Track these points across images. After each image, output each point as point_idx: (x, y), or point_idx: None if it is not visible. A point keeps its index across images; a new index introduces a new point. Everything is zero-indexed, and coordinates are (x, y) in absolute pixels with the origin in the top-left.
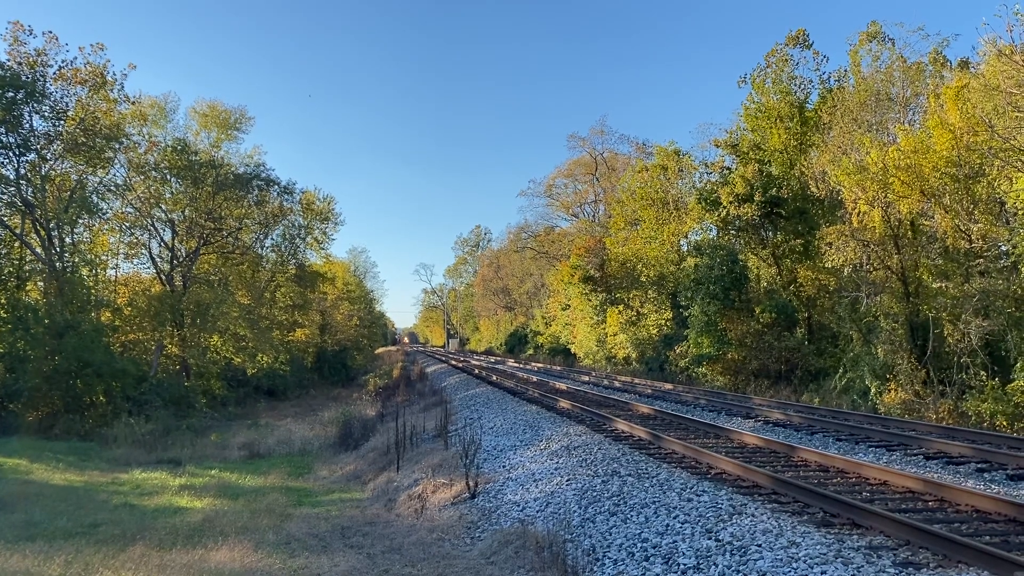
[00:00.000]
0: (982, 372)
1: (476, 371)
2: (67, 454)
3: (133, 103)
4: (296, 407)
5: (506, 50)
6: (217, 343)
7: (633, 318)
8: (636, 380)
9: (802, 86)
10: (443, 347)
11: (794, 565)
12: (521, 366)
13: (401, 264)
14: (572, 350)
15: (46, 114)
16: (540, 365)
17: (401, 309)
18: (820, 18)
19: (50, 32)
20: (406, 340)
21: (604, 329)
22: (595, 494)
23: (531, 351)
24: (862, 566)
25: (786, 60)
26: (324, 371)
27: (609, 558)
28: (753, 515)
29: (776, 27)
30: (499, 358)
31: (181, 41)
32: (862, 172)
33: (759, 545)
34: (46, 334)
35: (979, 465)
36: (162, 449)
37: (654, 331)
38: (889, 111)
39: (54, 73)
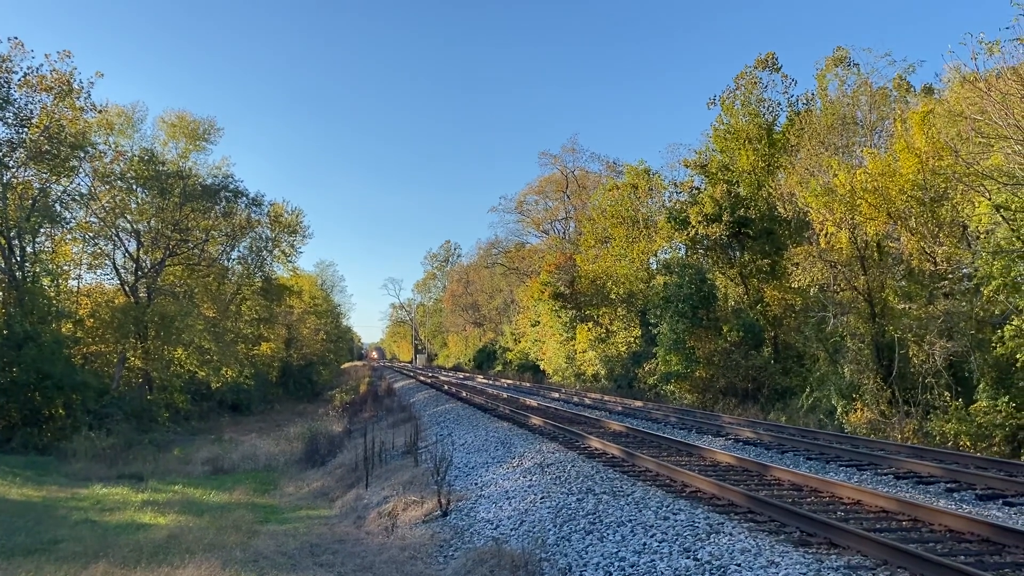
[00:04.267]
0: (946, 393)
1: (445, 387)
2: (24, 468)
3: (100, 112)
4: (261, 422)
5: (478, 66)
6: (181, 356)
7: (602, 335)
8: (606, 397)
9: (770, 108)
10: (411, 362)
11: None
12: (491, 382)
13: (369, 278)
14: (541, 367)
15: (9, 121)
16: (510, 382)
17: (368, 324)
18: (789, 42)
19: (15, 38)
20: (374, 355)
21: (573, 346)
22: (570, 512)
23: (500, 367)
24: None
25: (755, 83)
26: (289, 386)
27: None
28: (731, 534)
29: (745, 50)
30: (468, 374)
31: (149, 51)
32: (830, 194)
33: (738, 564)
34: (4, 345)
35: (949, 485)
36: (123, 464)
37: (623, 348)
38: (855, 135)
39: (19, 80)
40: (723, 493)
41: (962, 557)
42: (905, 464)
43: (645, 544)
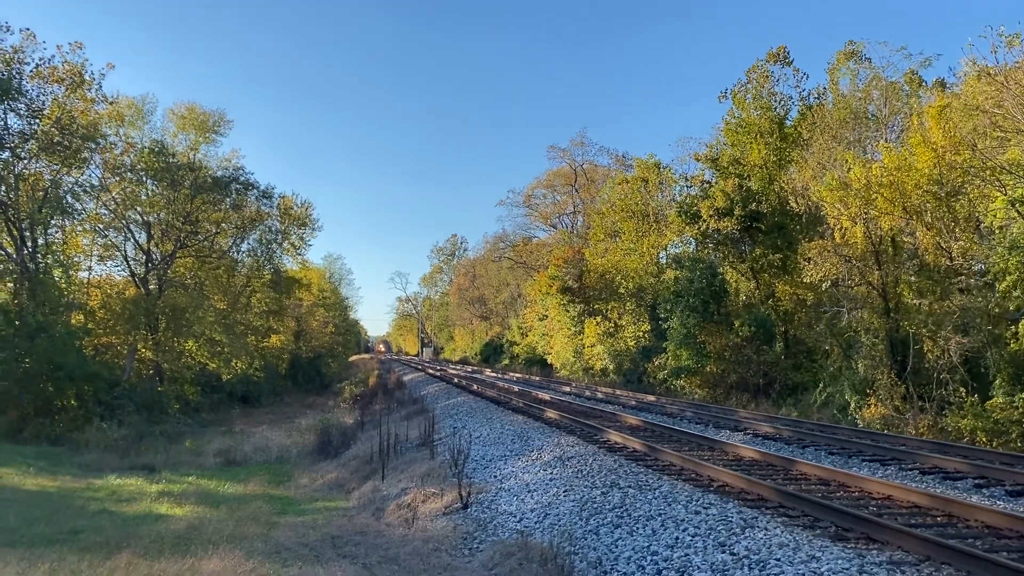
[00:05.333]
0: (961, 388)
1: (455, 380)
2: (37, 459)
3: (111, 103)
4: (271, 414)
5: (486, 59)
6: (192, 348)
7: (611, 329)
8: (618, 391)
9: (782, 102)
10: (417, 356)
11: None
12: (499, 376)
13: (375, 271)
14: (549, 360)
15: (21, 112)
16: (518, 375)
17: (374, 317)
18: (800, 36)
19: (27, 29)
20: (381, 348)
21: (581, 340)
22: (596, 506)
23: (507, 361)
24: None
25: (767, 76)
26: (298, 378)
27: (618, 571)
28: (766, 528)
29: (756, 44)
30: (475, 367)
31: (159, 43)
32: (845, 188)
33: (777, 559)
34: (16, 336)
35: (977, 481)
36: (135, 455)
37: (632, 343)
38: (867, 129)
39: (31, 71)
40: (752, 488)
41: (1004, 553)
42: (929, 459)
43: (677, 538)
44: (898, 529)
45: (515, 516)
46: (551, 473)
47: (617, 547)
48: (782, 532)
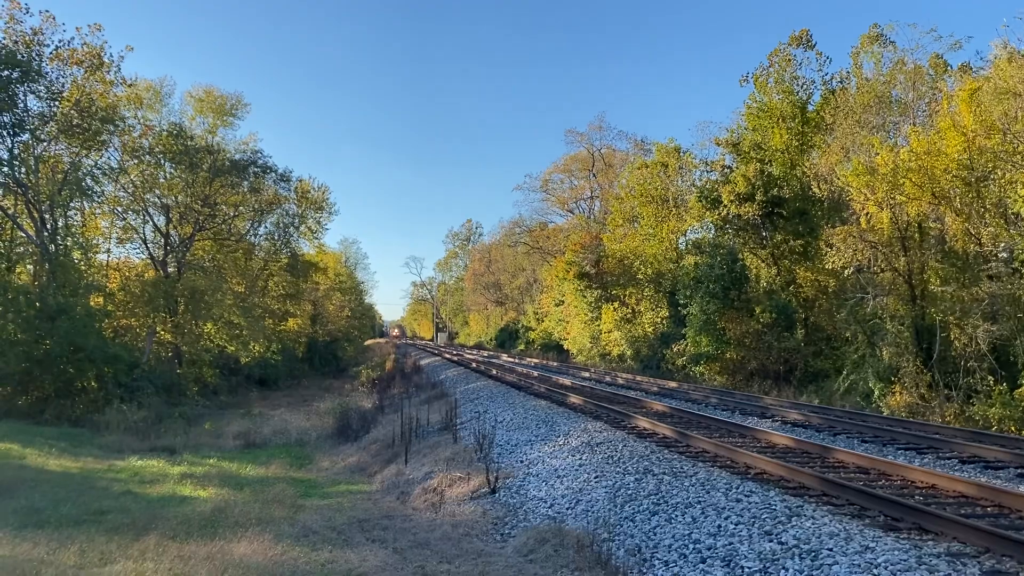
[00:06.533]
0: (989, 377)
1: (473, 365)
2: (59, 439)
3: (129, 86)
4: (288, 397)
5: (503, 43)
6: (211, 331)
7: (628, 315)
8: (638, 377)
9: (804, 87)
10: (431, 340)
11: (875, 572)
12: (516, 361)
13: (390, 256)
14: (565, 346)
15: (41, 94)
16: (536, 360)
17: (389, 301)
18: (824, 19)
19: (47, 11)
20: (396, 332)
21: (599, 326)
22: (630, 492)
23: (522, 346)
24: (949, 575)
25: (789, 60)
26: (315, 361)
27: (659, 559)
28: (813, 517)
29: (775, 26)
30: (491, 353)
31: (173, 27)
32: (871, 173)
33: (830, 549)
34: (37, 318)
35: (1019, 470)
36: (155, 437)
37: (650, 329)
38: (891, 114)
39: (50, 53)
40: (793, 475)
41: None
42: (967, 448)
43: (720, 526)
44: (953, 520)
45: (545, 502)
46: (580, 459)
47: (656, 534)
48: (830, 521)
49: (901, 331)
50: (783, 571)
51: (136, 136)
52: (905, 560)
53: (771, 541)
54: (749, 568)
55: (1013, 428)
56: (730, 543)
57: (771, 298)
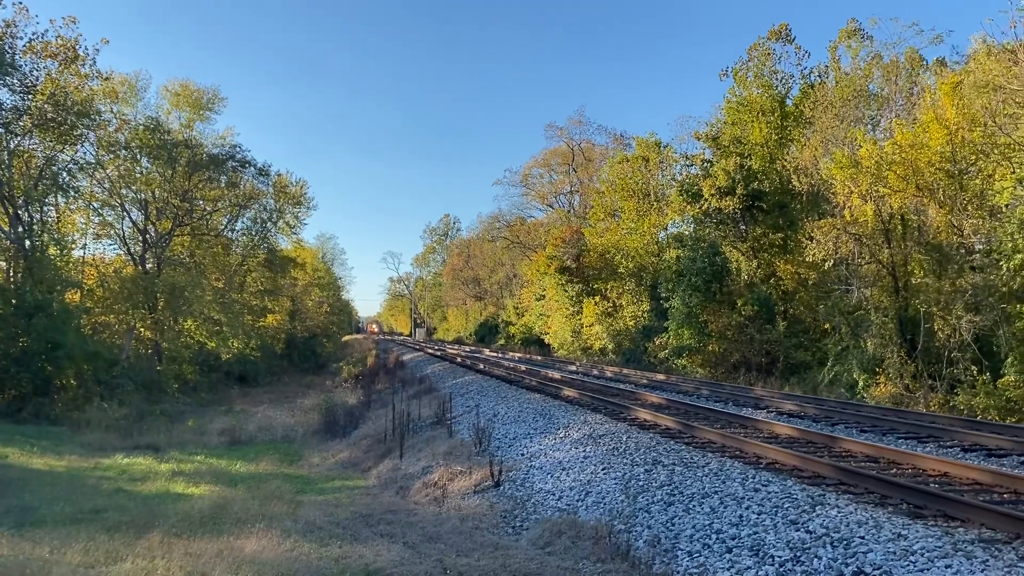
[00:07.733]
0: (973, 367)
1: (458, 360)
2: (39, 438)
3: (104, 79)
4: (270, 394)
5: (482, 37)
6: (191, 327)
7: (610, 309)
8: (625, 371)
9: (783, 81)
10: (409, 336)
11: (912, 559)
12: (500, 355)
13: (367, 251)
14: (546, 340)
15: (14, 87)
16: (519, 355)
17: (366, 297)
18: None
19: (20, 3)
20: (374, 328)
21: (580, 320)
22: (641, 484)
23: (503, 341)
24: (987, 560)
25: (768, 54)
26: (294, 358)
27: (682, 549)
28: (837, 506)
29: (756, 21)
30: (473, 347)
31: (148, 20)
32: (855, 166)
33: (862, 537)
34: (14, 315)
35: (1022, 458)
36: (138, 434)
37: (631, 322)
38: (869, 107)
39: (24, 46)
40: (808, 465)
41: None
42: (968, 436)
43: (742, 516)
44: (979, 507)
45: (554, 494)
46: (584, 451)
47: (675, 525)
48: (855, 510)
49: (885, 322)
50: (816, 560)
51: (112, 130)
52: (940, 547)
53: (798, 530)
54: (780, 556)
55: (996, 417)
56: (755, 532)
57: (752, 291)
